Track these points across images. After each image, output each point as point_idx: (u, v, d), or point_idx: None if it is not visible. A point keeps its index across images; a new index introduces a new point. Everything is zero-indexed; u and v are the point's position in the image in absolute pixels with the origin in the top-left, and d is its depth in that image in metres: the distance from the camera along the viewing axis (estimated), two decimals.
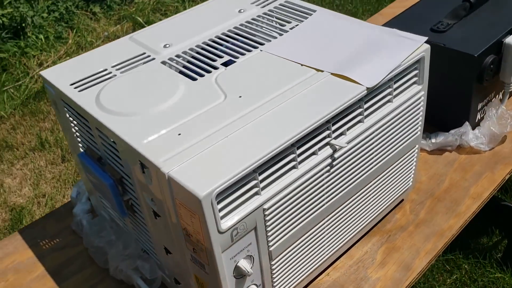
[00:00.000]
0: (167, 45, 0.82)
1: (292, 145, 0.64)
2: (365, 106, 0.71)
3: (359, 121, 0.72)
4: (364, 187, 0.79)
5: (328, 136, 0.68)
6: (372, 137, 0.74)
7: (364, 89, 0.68)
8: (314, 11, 0.87)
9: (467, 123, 1.00)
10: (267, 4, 0.91)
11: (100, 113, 0.69)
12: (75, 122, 0.79)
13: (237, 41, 0.82)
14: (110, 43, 0.85)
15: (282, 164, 0.64)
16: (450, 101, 1.01)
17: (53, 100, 0.80)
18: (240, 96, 0.69)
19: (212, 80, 0.73)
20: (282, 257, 0.71)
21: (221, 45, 0.81)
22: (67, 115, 0.79)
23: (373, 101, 0.72)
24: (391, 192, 0.86)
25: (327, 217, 0.75)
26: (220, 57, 0.78)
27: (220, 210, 0.59)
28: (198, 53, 0.80)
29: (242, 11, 0.89)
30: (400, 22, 1.05)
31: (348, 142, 0.70)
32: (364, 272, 0.82)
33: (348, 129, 0.71)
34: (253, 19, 0.87)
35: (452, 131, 1.01)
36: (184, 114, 0.67)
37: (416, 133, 0.83)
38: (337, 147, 0.69)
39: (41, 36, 2.81)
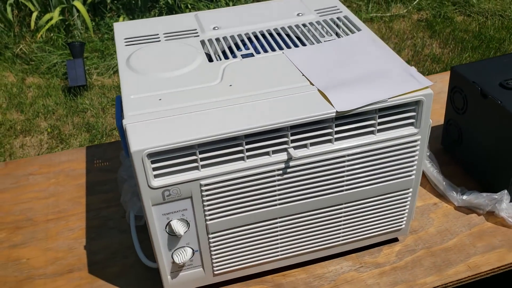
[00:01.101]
0: (216, 28, 0.92)
1: (243, 137, 0.70)
2: (336, 128, 0.73)
3: (328, 141, 0.74)
4: (330, 208, 0.80)
5: (286, 143, 0.72)
6: (343, 161, 0.75)
7: (333, 111, 0.71)
8: (359, 30, 0.88)
9: (505, 191, 0.92)
10: (327, 14, 0.95)
11: (123, 65, 0.83)
12: None
13: (273, 40, 0.88)
14: (178, 15, 0.98)
15: (228, 152, 0.71)
16: (495, 163, 0.94)
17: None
18: (230, 85, 0.77)
19: (223, 66, 0.82)
20: (222, 235, 0.78)
21: (258, 39, 0.89)
22: None
23: (349, 126, 0.73)
24: (368, 227, 0.85)
25: (278, 219, 0.79)
26: (247, 49, 0.86)
27: (155, 169, 0.69)
28: (234, 41, 0.89)
29: (300, 14, 0.95)
30: (475, 67, 0.99)
31: (309, 157, 0.74)
32: None
33: (313, 144, 0.74)
34: (303, 24, 0.92)
35: (485, 194, 0.94)
36: (177, 85, 0.77)
37: (410, 176, 0.81)
38: (292, 156, 0.73)
39: (231, 4, 3.10)
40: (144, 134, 0.68)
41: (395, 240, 0.92)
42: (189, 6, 3.02)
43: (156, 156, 0.68)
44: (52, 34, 2.91)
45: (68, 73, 2.56)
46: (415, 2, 2.99)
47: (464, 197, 0.96)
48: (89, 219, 1.00)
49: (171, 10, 3.06)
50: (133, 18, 3.01)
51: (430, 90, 0.73)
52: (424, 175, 1.03)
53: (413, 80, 0.74)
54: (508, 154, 0.89)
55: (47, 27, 2.87)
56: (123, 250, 0.93)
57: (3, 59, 2.90)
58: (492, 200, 0.93)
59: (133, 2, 3.02)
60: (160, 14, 3.06)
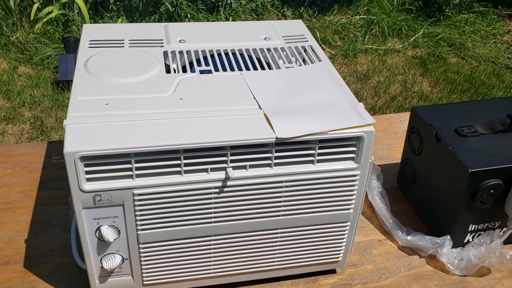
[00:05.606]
0: (182, 41, 0.93)
1: (182, 151, 0.71)
2: (276, 154, 0.73)
3: (267, 165, 0.75)
4: (266, 231, 0.80)
5: (225, 162, 0.73)
6: (281, 186, 0.76)
7: (273, 137, 0.71)
8: (320, 61, 0.89)
9: (448, 237, 0.92)
10: (293, 42, 0.96)
11: (80, 66, 0.84)
12: None
13: (234, 60, 0.89)
14: (149, 24, 1.00)
15: (165, 164, 0.71)
16: (442, 208, 0.94)
17: None
18: (181, 98, 0.78)
19: (178, 79, 0.83)
20: (153, 247, 0.78)
21: (220, 57, 0.90)
22: None
23: (288, 153, 0.74)
24: (304, 255, 0.85)
25: (212, 236, 0.79)
26: (207, 65, 0.87)
27: (87, 173, 0.69)
28: (197, 56, 0.90)
29: (267, 39, 0.96)
30: (435, 110, 1.00)
31: (248, 178, 0.74)
32: None
33: (252, 167, 0.74)
34: (268, 48, 0.93)
35: (428, 237, 0.94)
36: (128, 92, 0.78)
37: (348, 210, 0.81)
38: (230, 175, 0.73)
39: (230, 19, 3.13)
40: (80, 137, 0.68)
41: (333, 271, 0.92)
42: (189, 16, 3.05)
43: (90, 159, 0.69)
44: (50, 27, 2.93)
45: (59, 67, 2.57)
46: (412, 39, 3.02)
47: (409, 237, 0.96)
48: (35, 213, 1.00)
49: (171, 17, 3.08)
50: (133, 21, 3.03)
51: (372, 128, 0.74)
52: (373, 210, 1.03)
53: (358, 116, 0.75)
54: (454, 200, 0.90)
55: (46, 19, 2.89)
56: (62, 249, 0.93)
57: None
58: (435, 244, 0.93)
59: (135, 5, 3.04)
60: (160, 20, 3.09)
